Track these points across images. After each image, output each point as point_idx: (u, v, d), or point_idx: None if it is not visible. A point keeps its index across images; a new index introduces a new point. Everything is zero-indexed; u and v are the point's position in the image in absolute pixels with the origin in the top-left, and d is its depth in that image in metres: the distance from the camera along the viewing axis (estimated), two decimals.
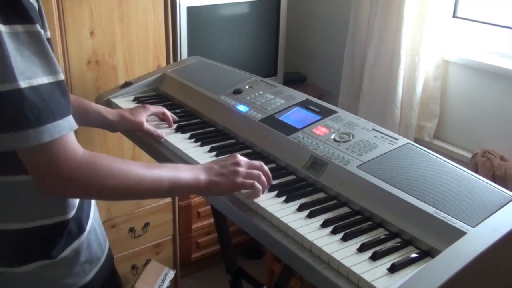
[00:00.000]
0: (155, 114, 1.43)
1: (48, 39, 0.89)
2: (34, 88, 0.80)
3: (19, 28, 0.80)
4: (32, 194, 0.92)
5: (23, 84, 0.79)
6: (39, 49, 0.82)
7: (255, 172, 1.08)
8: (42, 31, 0.83)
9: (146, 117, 1.39)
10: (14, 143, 0.81)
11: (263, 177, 1.08)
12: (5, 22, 0.78)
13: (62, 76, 0.86)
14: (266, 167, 1.11)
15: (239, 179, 1.05)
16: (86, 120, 1.34)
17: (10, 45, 0.78)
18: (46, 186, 0.87)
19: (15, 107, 0.79)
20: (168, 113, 1.44)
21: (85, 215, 1.04)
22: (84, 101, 1.34)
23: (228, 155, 1.12)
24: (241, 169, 1.06)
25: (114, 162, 0.92)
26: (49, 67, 0.83)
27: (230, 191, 1.08)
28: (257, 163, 1.11)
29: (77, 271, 1.02)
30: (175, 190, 1.03)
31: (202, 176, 1.03)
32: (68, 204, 0.98)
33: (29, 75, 0.80)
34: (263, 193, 1.08)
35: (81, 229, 1.02)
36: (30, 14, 0.81)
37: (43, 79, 0.82)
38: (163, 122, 1.44)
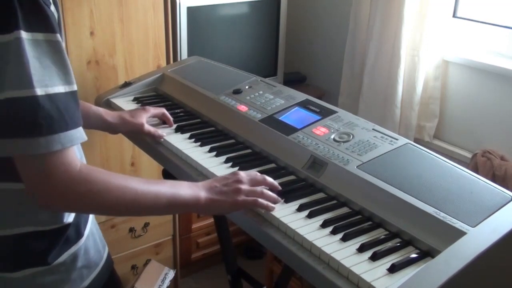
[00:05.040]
0: (155, 116, 1.42)
1: None
2: (50, 96, 0.81)
3: (40, 36, 0.81)
4: (25, 202, 0.90)
5: (39, 91, 0.79)
6: (58, 58, 0.83)
7: (258, 189, 1.04)
8: (61, 40, 0.84)
9: (146, 119, 1.38)
10: (21, 149, 0.81)
11: (267, 192, 1.05)
12: (27, 29, 0.79)
13: (76, 87, 0.86)
14: (270, 179, 1.07)
15: (241, 197, 1.01)
16: (86, 122, 1.31)
17: (30, 53, 0.79)
18: (40, 198, 0.85)
19: (29, 113, 0.79)
20: (168, 114, 1.44)
21: (84, 221, 1.03)
22: (83, 103, 1.33)
23: (230, 173, 1.07)
24: (243, 187, 1.02)
25: (111, 177, 0.89)
26: (66, 77, 0.84)
27: (232, 210, 1.04)
28: (260, 177, 1.06)
29: (75, 277, 1.01)
30: (174, 208, 1.00)
31: (202, 194, 0.99)
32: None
33: (46, 83, 0.80)
34: (275, 203, 1.05)
35: (79, 234, 1.01)
36: (52, 23, 0.82)
37: (60, 88, 0.82)
38: (163, 125, 1.43)
